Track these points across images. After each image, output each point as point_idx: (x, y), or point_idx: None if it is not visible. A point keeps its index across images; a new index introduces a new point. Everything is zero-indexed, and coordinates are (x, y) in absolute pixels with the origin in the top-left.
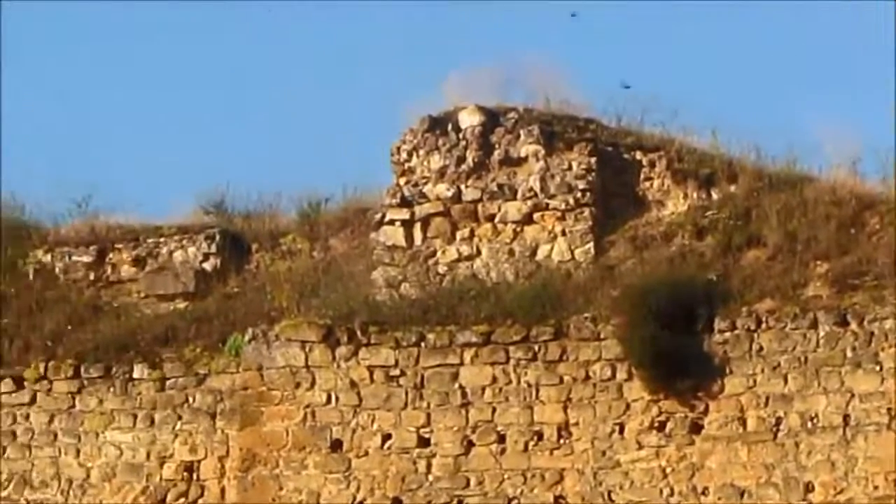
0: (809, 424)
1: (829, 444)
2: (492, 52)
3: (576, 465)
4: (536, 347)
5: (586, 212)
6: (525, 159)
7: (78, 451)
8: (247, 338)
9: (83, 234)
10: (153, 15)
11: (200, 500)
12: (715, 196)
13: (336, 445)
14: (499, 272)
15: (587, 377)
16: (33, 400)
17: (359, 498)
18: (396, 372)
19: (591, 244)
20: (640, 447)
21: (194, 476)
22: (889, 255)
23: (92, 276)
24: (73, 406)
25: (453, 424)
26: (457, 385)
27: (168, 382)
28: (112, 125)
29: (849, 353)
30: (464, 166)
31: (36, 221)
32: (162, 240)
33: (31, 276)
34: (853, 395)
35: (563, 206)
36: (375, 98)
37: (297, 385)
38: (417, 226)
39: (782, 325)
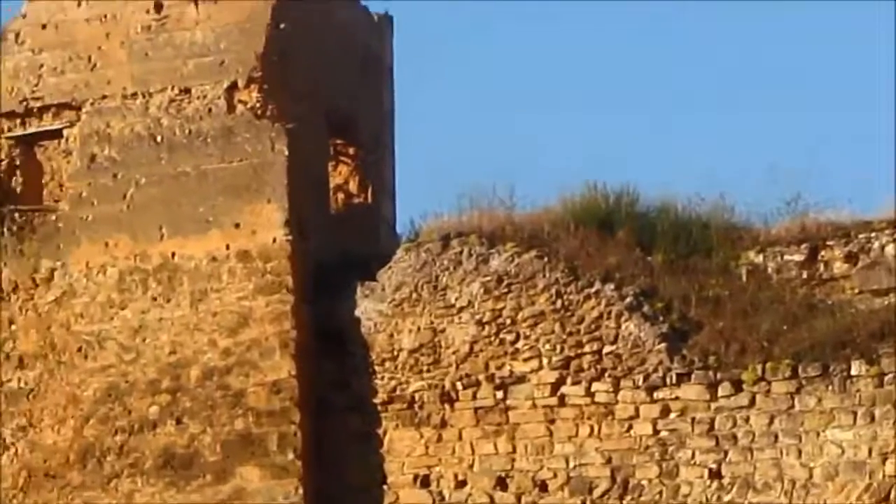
0: None
1: None
2: None
3: None
4: None
5: None
6: None
7: (799, 452)
8: None
9: (794, 233)
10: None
11: None
12: None
13: None
14: None
15: None
16: (752, 402)
17: None
18: None
19: None
20: None
21: None
22: None
23: (804, 275)
24: (793, 406)
25: None
26: None
27: (886, 378)
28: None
29: None
30: None
31: (747, 222)
32: (873, 234)
33: (743, 278)
34: None
35: None
36: None
37: None
38: None
39: None
